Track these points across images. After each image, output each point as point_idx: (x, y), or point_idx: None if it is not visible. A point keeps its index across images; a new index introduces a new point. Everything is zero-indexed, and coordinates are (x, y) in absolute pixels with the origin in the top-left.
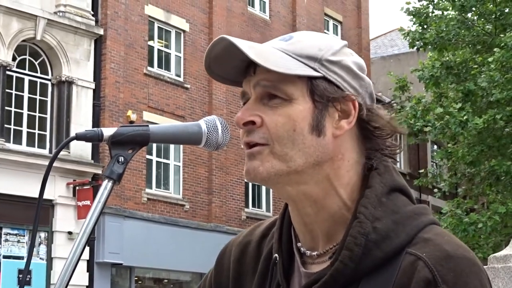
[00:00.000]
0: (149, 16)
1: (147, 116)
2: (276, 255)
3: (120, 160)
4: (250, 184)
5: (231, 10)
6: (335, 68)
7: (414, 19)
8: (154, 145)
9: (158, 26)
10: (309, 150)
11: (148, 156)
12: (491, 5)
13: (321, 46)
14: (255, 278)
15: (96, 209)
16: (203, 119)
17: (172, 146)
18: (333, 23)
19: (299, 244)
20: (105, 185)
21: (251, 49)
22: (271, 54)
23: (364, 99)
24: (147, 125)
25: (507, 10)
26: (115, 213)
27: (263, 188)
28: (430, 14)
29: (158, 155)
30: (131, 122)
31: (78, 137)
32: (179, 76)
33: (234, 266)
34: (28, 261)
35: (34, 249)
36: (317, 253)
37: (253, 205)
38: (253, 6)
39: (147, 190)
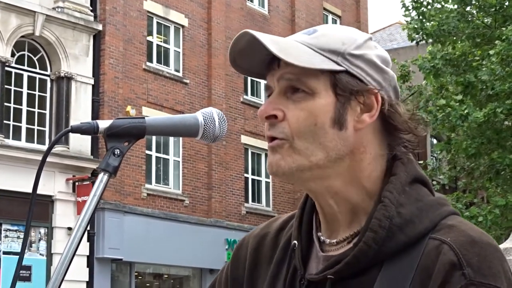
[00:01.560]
0: (148, 12)
1: (146, 111)
2: (295, 241)
3: (116, 152)
4: (250, 179)
5: (230, 5)
6: (358, 62)
7: (411, 10)
8: (154, 140)
9: (157, 22)
10: (330, 144)
11: (147, 152)
12: None
13: (344, 40)
14: (271, 267)
15: (92, 203)
16: (200, 111)
17: (171, 141)
18: (332, 18)
19: (319, 234)
20: (101, 178)
21: (274, 43)
22: (294, 48)
23: (388, 93)
24: (143, 117)
25: (507, 3)
26: (115, 208)
27: (263, 183)
28: (430, 7)
29: (157, 151)
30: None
31: (73, 130)
32: (178, 71)
33: (250, 257)
34: (21, 256)
35: (34, 245)
36: (336, 240)
37: (253, 200)
38: (252, 1)
39: (147, 186)
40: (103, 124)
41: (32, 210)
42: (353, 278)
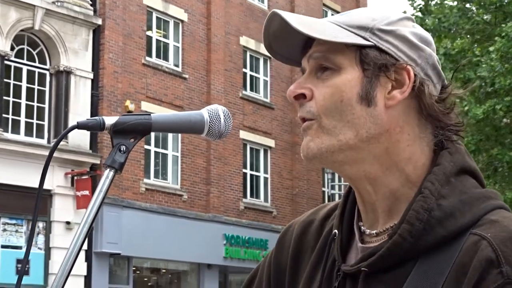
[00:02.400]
0: (148, 6)
1: (145, 106)
2: (336, 230)
3: (122, 149)
4: (248, 175)
5: (229, 0)
6: (388, 37)
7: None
8: (153, 135)
9: (157, 16)
10: (359, 121)
11: (146, 146)
12: None
13: (375, 16)
14: (313, 255)
15: (97, 199)
16: (205, 108)
17: (170, 136)
18: (332, 13)
19: (360, 223)
20: (107, 174)
21: (297, 19)
22: (319, 24)
23: (426, 71)
24: (149, 114)
25: (507, 0)
26: (114, 203)
27: (261, 178)
28: (430, 2)
29: (156, 145)
30: (129, 112)
31: (80, 126)
32: (177, 66)
33: (295, 244)
34: (27, 251)
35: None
36: (376, 231)
37: (251, 196)
38: None
39: (145, 180)
40: (109, 120)
41: (38, 206)
42: (387, 271)
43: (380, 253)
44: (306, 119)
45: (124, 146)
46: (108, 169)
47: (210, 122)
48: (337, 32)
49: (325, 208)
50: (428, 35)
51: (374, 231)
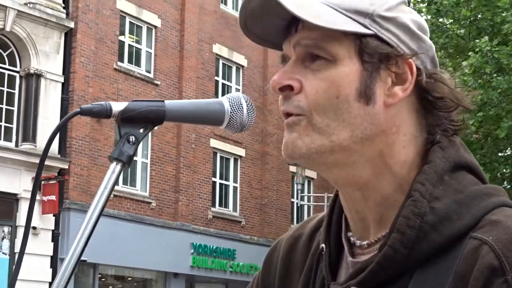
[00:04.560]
0: (121, 11)
1: None
2: (323, 245)
3: (131, 140)
4: (218, 183)
5: (203, 8)
6: (389, 25)
7: None
8: None
9: (130, 21)
10: (355, 120)
11: None
12: (466, 10)
13: (373, 0)
14: (302, 274)
15: (102, 197)
16: (225, 96)
17: (140, 143)
18: None
19: (349, 234)
20: (113, 168)
21: (291, 3)
22: (313, 6)
23: (425, 64)
24: (163, 101)
25: (480, 15)
26: (81, 209)
27: (231, 187)
28: None
29: None
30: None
31: (83, 112)
32: (149, 72)
33: (282, 262)
34: (19, 258)
35: None
36: (368, 242)
37: (220, 205)
38: (225, 4)
39: (114, 187)
40: (117, 106)
41: (32, 209)
42: None
43: (370, 268)
44: (294, 114)
45: (133, 137)
46: (114, 162)
47: (231, 112)
48: (334, 17)
49: (313, 220)
50: (424, 22)
51: (365, 242)
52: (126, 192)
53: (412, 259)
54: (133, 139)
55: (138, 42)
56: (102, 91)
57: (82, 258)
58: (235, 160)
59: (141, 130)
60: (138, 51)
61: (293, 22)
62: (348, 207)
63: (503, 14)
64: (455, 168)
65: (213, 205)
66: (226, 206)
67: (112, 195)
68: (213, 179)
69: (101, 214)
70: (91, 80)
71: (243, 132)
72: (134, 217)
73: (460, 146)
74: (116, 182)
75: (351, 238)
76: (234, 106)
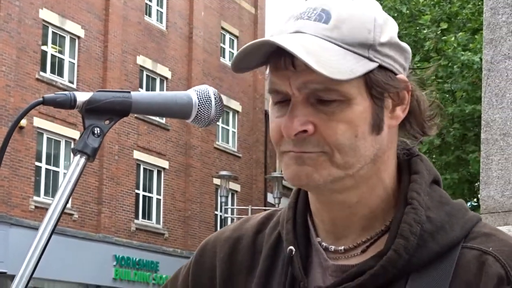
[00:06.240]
0: (44, 20)
1: (38, 122)
2: (292, 247)
3: (95, 132)
4: (141, 196)
5: (127, 19)
6: (387, 50)
7: None
8: (44, 152)
9: (53, 31)
10: (368, 152)
11: (37, 163)
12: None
13: (367, 24)
14: (254, 277)
15: (65, 190)
16: (193, 88)
17: (62, 154)
18: (230, 37)
19: (318, 239)
20: (77, 161)
21: (307, 53)
22: (323, 51)
23: (408, 75)
24: (129, 92)
25: (405, 31)
26: (1, 220)
27: (154, 200)
28: None
29: (47, 162)
30: (21, 127)
31: (46, 101)
32: (72, 82)
33: (224, 264)
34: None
35: None
36: (344, 247)
37: (143, 217)
38: (150, 15)
39: (35, 198)
40: (82, 96)
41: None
42: None
43: (372, 271)
44: (313, 152)
45: (98, 129)
46: (78, 155)
47: (198, 105)
48: (345, 60)
49: (249, 222)
50: (394, 22)
51: (341, 247)
52: (47, 203)
53: (410, 265)
54: (98, 131)
55: (61, 52)
56: (24, 101)
57: (2, 270)
58: (159, 172)
59: (106, 122)
60: (61, 61)
61: (285, 54)
62: (326, 219)
63: (424, 31)
64: (433, 182)
65: (136, 217)
66: (149, 218)
67: (33, 206)
68: (136, 191)
69: (64, 207)
70: (12, 89)
71: (209, 126)
72: (56, 228)
73: (428, 160)
74: (80, 176)
75: (322, 243)
76: (202, 99)
